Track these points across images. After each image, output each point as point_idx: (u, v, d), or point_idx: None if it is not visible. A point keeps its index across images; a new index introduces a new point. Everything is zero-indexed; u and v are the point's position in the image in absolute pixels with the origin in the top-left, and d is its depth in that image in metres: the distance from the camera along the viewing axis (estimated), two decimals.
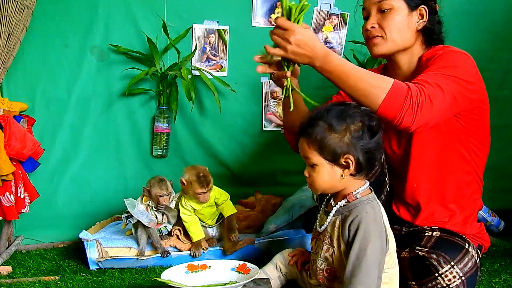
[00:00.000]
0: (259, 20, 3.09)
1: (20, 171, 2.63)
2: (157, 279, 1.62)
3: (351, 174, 1.56)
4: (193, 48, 3.05)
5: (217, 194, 2.43)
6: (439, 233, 1.76)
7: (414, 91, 1.57)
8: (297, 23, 1.61)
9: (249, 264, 1.75)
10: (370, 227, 1.48)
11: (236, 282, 1.62)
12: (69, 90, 2.95)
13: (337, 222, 1.57)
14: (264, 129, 3.19)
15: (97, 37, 2.96)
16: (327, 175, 1.56)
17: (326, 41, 3.19)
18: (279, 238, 2.47)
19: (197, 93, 3.01)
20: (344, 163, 1.54)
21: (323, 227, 1.62)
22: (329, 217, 1.60)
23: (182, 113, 3.08)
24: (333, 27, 3.18)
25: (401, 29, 1.86)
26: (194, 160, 3.10)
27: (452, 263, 1.61)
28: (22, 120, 2.71)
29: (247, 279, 1.62)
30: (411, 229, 1.91)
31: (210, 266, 1.79)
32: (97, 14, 2.94)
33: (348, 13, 3.17)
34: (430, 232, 1.78)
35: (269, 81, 3.14)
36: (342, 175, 1.55)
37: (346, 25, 3.18)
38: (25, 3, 2.59)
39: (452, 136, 1.83)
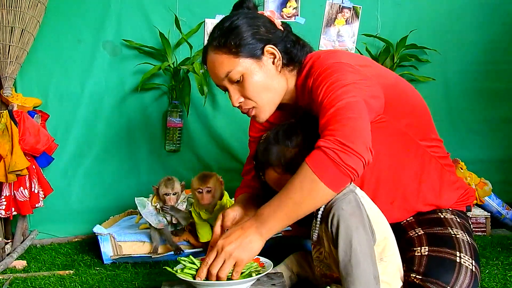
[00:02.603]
0: (271, 14, 3.07)
1: (34, 166, 2.64)
2: (167, 268, 1.60)
3: None
4: (205, 42, 3.02)
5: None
6: (427, 248, 1.63)
7: (324, 144, 1.41)
8: None
9: (262, 259, 1.71)
10: (349, 222, 1.44)
11: (250, 276, 1.62)
12: (82, 85, 2.96)
13: (323, 226, 1.54)
14: None
15: (110, 32, 2.97)
16: None
17: (338, 35, 3.16)
18: (291, 233, 2.44)
19: (209, 88, 2.99)
20: None
21: (315, 236, 1.59)
22: (317, 224, 1.57)
23: (195, 108, 3.07)
24: (345, 21, 3.16)
25: (266, 86, 1.66)
26: (207, 154, 3.11)
27: None
28: (36, 115, 2.72)
29: (261, 273, 1.61)
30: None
31: None
32: (109, 9, 2.96)
33: (361, 6, 3.14)
34: (419, 248, 1.64)
35: None
36: None
37: (358, 18, 3.16)
38: None
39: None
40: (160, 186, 2.36)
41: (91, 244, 2.66)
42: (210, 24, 3.03)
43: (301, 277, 1.88)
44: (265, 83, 1.66)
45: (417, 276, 1.56)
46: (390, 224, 1.62)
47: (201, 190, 2.25)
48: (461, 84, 3.14)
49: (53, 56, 2.91)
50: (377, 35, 3.10)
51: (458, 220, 1.74)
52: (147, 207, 2.37)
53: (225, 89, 1.70)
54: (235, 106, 1.70)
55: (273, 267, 1.69)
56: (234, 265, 1.47)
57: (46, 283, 2.08)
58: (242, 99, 1.68)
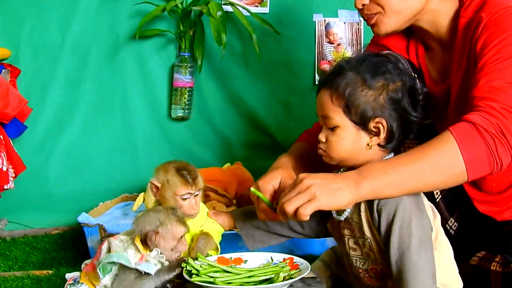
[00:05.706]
0: None
1: (1, 136, 2.64)
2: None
3: (379, 145, 1.58)
4: None
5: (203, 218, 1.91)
6: None
7: (482, 123, 1.47)
8: None
9: (296, 259, 1.73)
10: (407, 202, 1.48)
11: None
12: (63, 33, 2.98)
13: (363, 206, 1.56)
14: (317, 84, 3.06)
15: None
16: (350, 141, 1.57)
17: None
18: None
19: (229, 36, 2.95)
20: (373, 129, 1.56)
21: (344, 216, 1.61)
22: (362, 206, 1.58)
23: (210, 62, 3.07)
24: None
25: None
26: (225, 123, 3.13)
27: None
28: (3, 70, 2.73)
29: (294, 277, 1.59)
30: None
31: (246, 261, 1.77)
32: None
33: None
34: None
35: (324, 20, 3.09)
36: (368, 144, 1.57)
37: None
38: None
39: None
40: (168, 224, 1.68)
41: (75, 238, 2.67)
42: None
43: (338, 278, 1.89)
44: None
45: None
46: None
47: (188, 196, 1.78)
48: None
49: None
50: None
51: None
52: (131, 256, 1.67)
53: None
54: (357, 8, 1.77)
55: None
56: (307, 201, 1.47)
57: (18, 286, 2.09)
58: (367, 1, 1.74)
